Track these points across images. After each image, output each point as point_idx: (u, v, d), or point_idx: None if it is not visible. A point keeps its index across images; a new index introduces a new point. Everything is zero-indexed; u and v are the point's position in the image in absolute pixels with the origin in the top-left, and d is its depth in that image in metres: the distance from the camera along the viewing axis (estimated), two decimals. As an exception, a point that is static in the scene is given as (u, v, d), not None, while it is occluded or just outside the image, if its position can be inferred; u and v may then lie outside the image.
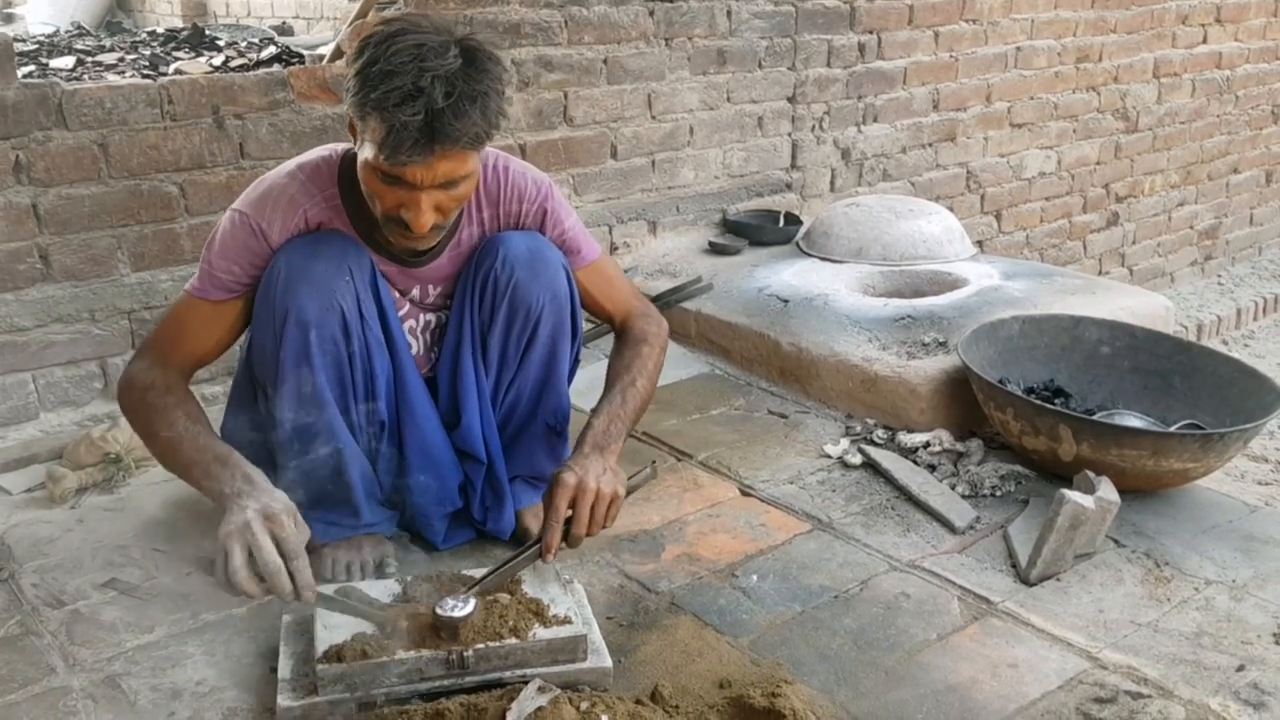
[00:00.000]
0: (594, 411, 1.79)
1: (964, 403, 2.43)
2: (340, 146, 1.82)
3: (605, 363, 1.95)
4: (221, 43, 4.27)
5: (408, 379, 1.84)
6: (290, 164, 1.79)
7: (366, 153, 1.59)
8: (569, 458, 1.71)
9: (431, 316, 1.91)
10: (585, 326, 2.00)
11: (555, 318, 1.85)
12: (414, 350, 1.89)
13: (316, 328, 1.69)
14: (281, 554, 1.46)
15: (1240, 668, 1.66)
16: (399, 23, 1.58)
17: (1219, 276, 5.64)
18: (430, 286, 1.88)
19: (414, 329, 1.90)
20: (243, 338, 1.85)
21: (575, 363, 1.98)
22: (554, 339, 1.87)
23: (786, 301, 2.87)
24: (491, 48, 1.62)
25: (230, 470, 1.57)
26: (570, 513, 1.64)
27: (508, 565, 1.63)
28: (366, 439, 1.83)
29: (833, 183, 3.87)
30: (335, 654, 1.48)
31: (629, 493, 1.72)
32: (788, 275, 3.05)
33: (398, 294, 1.86)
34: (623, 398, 1.81)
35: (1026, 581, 1.88)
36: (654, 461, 1.86)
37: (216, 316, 1.77)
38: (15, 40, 2.48)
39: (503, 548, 1.95)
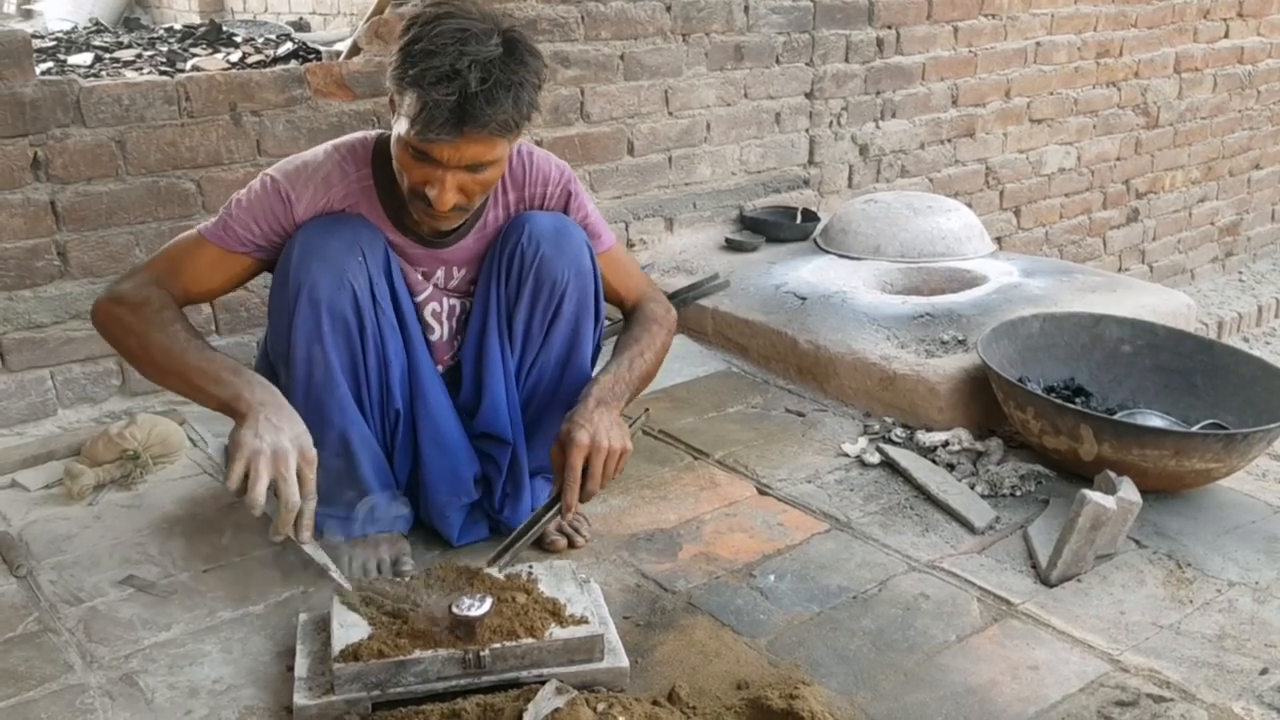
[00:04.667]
0: (600, 370, 1.83)
1: (983, 401, 2.41)
2: (374, 131, 1.86)
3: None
4: (238, 39, 4.27)
5: (421, 366, 1.85)
6: (327, 144, 1.83)
7: (400, 127, 1.63)
8: (573, 412, 1.75)
9: (455, 302, 1.91)
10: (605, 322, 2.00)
11: (579, 294, 1.87)
12: (437, 336, 1.91)
13: (328, 304, 1.71)
14: (301, 493, 1.55)
15: (1264, 671, 1.64)
16: (447, 6, 1.62)
17: (1240, 273, 5.60)
18: (455, 269, 1.89)
19: (437, 313, 1.90)
20: (262, 331, 1.86)
21: (597, 349, 1.98)
22: (578, 316, 1.88)
23: (804, 299, 2.85)
24: (534, 41, 1.66)
25: (245, 379, 1.63)
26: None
27: (532, 527, 1.71)
28: (381, 427, 1.83)
29: (850, 179, 3.85)
30: (352, 653, 1.48)
31: None
32: (805, 272, 3.04)
33: (420, 276, 1.87)
34: (629, 364, 1.85)
35: (1047, 582, 1.87)
36: (647, 409, 1.92)
37: (221, 263, 1.79)
38: (34, 37, 2.48)
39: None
